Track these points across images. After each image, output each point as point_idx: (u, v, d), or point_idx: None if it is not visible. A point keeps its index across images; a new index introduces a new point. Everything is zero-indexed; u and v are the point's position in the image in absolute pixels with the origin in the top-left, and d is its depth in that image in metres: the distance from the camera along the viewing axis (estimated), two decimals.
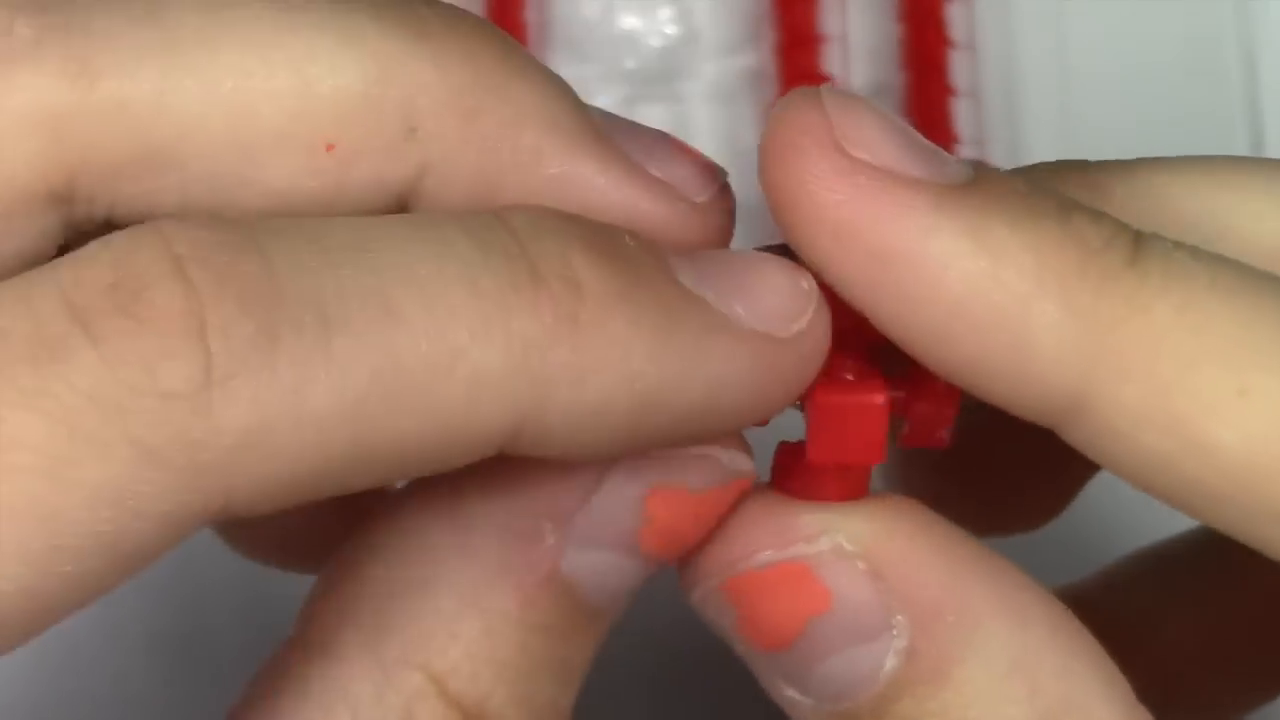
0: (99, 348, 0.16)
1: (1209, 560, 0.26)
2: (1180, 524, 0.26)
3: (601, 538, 0.18)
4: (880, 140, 0.19)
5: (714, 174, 0.20)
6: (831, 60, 0.43)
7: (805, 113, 0.19)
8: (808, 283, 0.19)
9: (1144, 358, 0.18)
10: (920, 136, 0.19)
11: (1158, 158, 0.21)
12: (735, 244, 0.43)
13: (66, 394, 0.16)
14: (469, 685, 0.18)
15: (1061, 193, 0.19)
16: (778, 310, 0.19)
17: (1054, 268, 0.18)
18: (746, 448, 0.20)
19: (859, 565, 0.19)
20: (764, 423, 0.20)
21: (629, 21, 0.43)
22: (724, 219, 0.20)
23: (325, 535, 0.22)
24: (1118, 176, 0.21)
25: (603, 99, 0.43)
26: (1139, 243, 0.19)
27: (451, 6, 0.20)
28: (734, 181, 0.43)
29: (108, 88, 0.18)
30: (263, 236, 0.17)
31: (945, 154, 0.19)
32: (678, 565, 0.20)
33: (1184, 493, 0.18)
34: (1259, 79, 0.43)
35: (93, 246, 0.17)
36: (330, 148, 0.18)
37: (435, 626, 0.18)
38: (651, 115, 0.43)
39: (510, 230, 0.18)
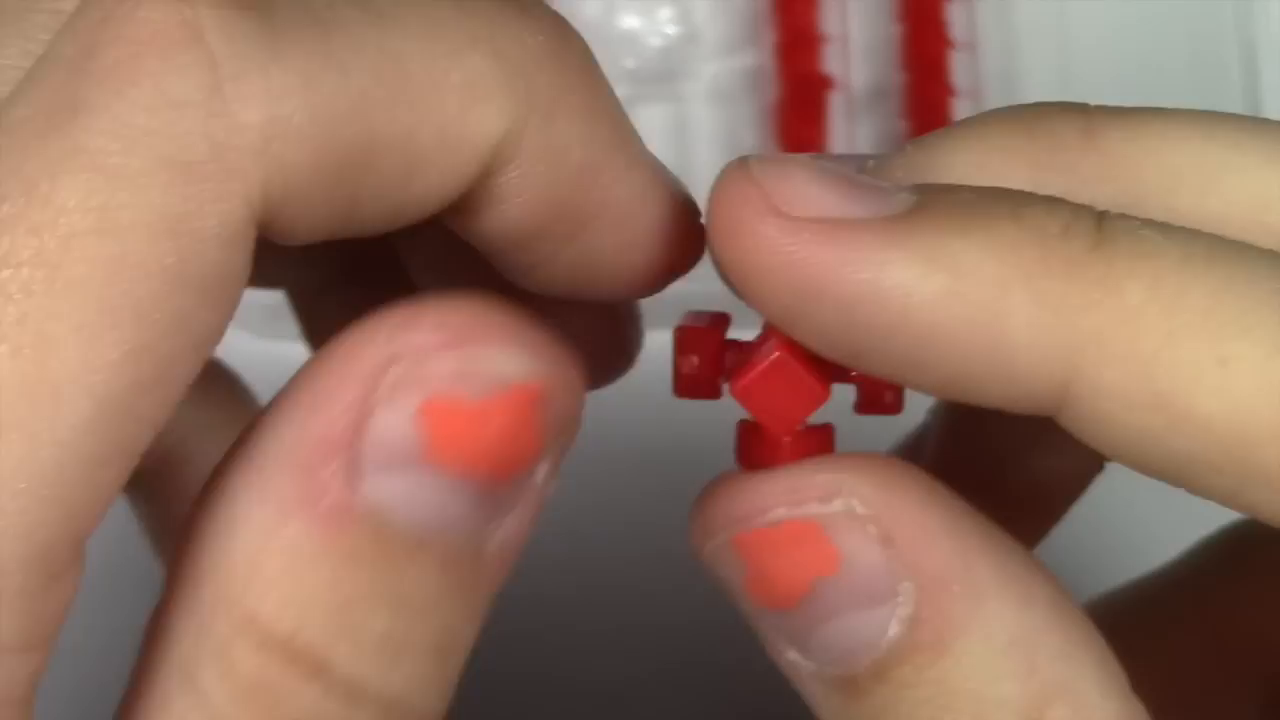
0: (107, 83, 0.16)
1: (1206, 583, 0.26)
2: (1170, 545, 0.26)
3: (388, 459, 0.18)
4: (815, 193, 0.19)
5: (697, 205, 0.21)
6: (831, 60, 0.43)
7: (738, 186, 0.19)
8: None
9: (1121, 338, 0.18)
10: (858, 176, 0.19)
11: (1158, 108, 0.21)
12: None
13: (91, 140, 0.16)
14: (279, 619, 0.18)
15: (1013, 189, 0.19)
16: (682, 190, 0.21)
17: (1015, 266, 0.18)
18: (533, 353, 0.18)
19: (870, 529, 0.19)
20: (636, 286, 0.21)
21: (629, 21, 0.43)
22: (699, 245, 0.21)
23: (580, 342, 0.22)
24: (1115, 122, 0.21)
25: None
26: (1102, 225, 0.19)
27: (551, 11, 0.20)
28: None
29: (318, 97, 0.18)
30: None
31: (886, 186, 0.19)
32: (689, 521, 0.20)
33: (1177, 468, 0.18)
34: (1259, 79, 0.43)
35: (81, 3, 0.17)
36: None
37: (239, 564, 0.18)
38: (651, 115, 0.43)
39: None
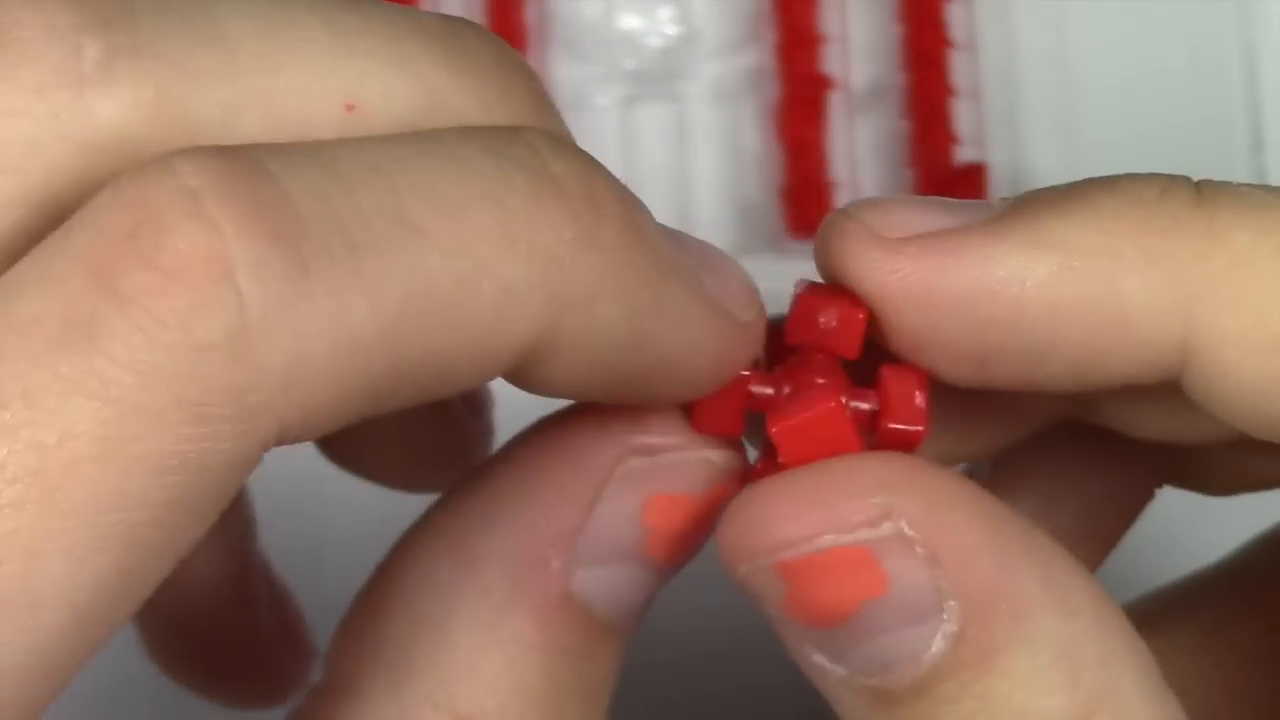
0: (130, 313, 0.16)
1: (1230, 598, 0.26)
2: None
3: (607, 554, 0.18)
4: (912, 215, 0.20)
5: (755, 294, 0.20)
6: (831, 60, 0.43)
7: (840, 227, 0.20)
8: (753, 284, 0.20)
9: (1234, 284, 0.18)
10: (950, 199, 0.20)
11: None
12: (736, 242, 0.43)
13: (109, 370, 0.16)
14: (494, 716, 0.18)
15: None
16: (738, 295, 0.20)
17: (1122, 232, 0.19)
18: (738, 447, 0.20)
19: (918, 550, 0.19)
20: (695, 395, 0.20)
21: (629, 21, 0.43)
22: (760, 339, 0.20)
23: (412, 444, 0.22)
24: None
25: (603, 99, 0.43)
26: (1200, 186, 0.19)
27: (492, 35, 0.19)
28: (733, 180, 0.43)
29: (177, 111, 0.17)
30: (272, 163, 0.17)
31: (978, 201, 0.20)
32: (720, 536, 0.20)
33: None
34: (1259, 79, 0.43)
35: (105, 194, 0.16)
36: None
37: (454, 663, 0.18)
38: (651, 115, 0.43)
39: (530, 146, 0.18)
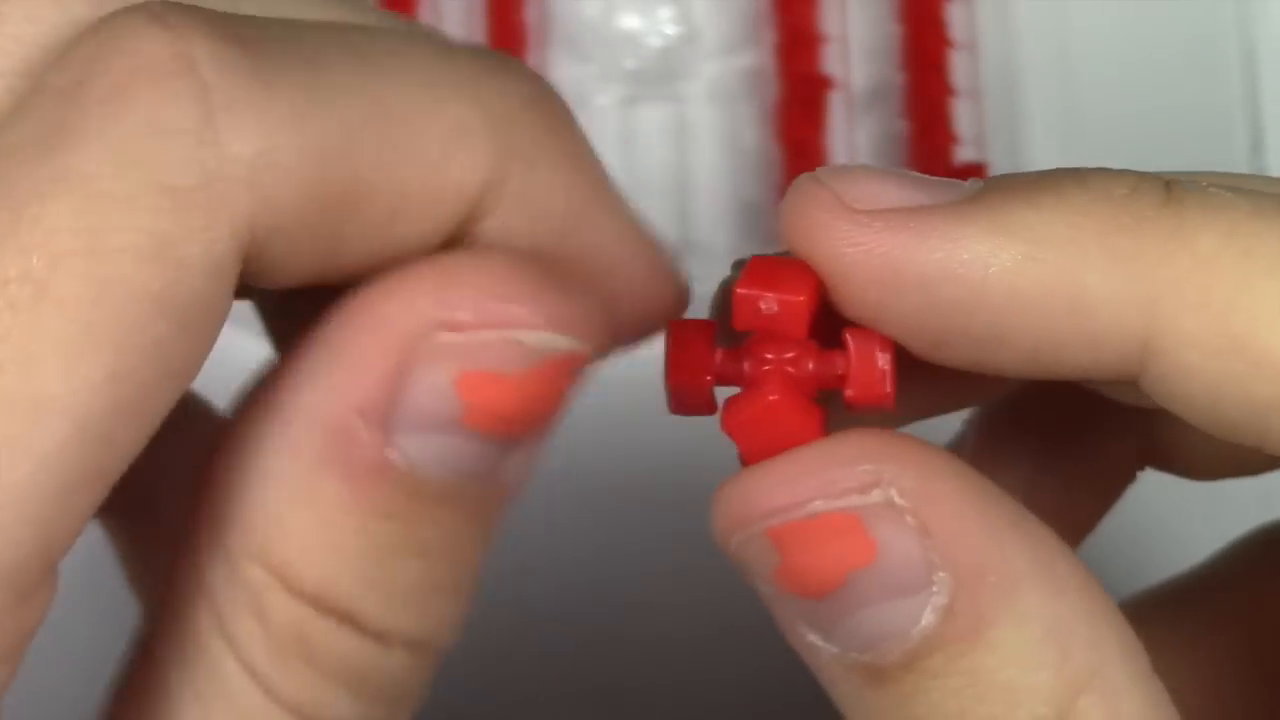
0: (100, 109, 0.17)
1: (1216, 600, 0.26)
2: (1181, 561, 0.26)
3: (424, 424, 0.18)
4: (882, 189, 0.20)
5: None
6: (831, 60, 0.43)
7: (808, 190, 0.20)
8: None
9: (1198, 286, 0.18)
10: (922, 175, 0.20)
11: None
12: (736, 241, 0.43)
13: (83, 164, 0.16)
14: (310, 572, 0.18)
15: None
16: (662, 244, 0.21)
17: (1088, 227, 0.19)
18: (567, 324, 0.19)
19: (909, 520, 0.19)
20: (622, 335, 0.20)
21: (629, 21, 0.43)
22: (686, 293, 0.22)
23: None
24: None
25: (603, 99, 0.43)
26: (1169, 185, 0.19)
27: (527, 69, 0.20)
28: (734, 180, 0.43)
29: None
30: (229, 12, 0.18)
31: (950, 180, 0.20)
32: (713, 507, 0.20)
33: (1258, 417, 0.19)
34: (1259, 79, 0.43)
35: (77, 40, 0.17)
36: None
37: (267, 518, 0.18)
38: (651, 115, 0.43)
39: (484, 48, 0.20)
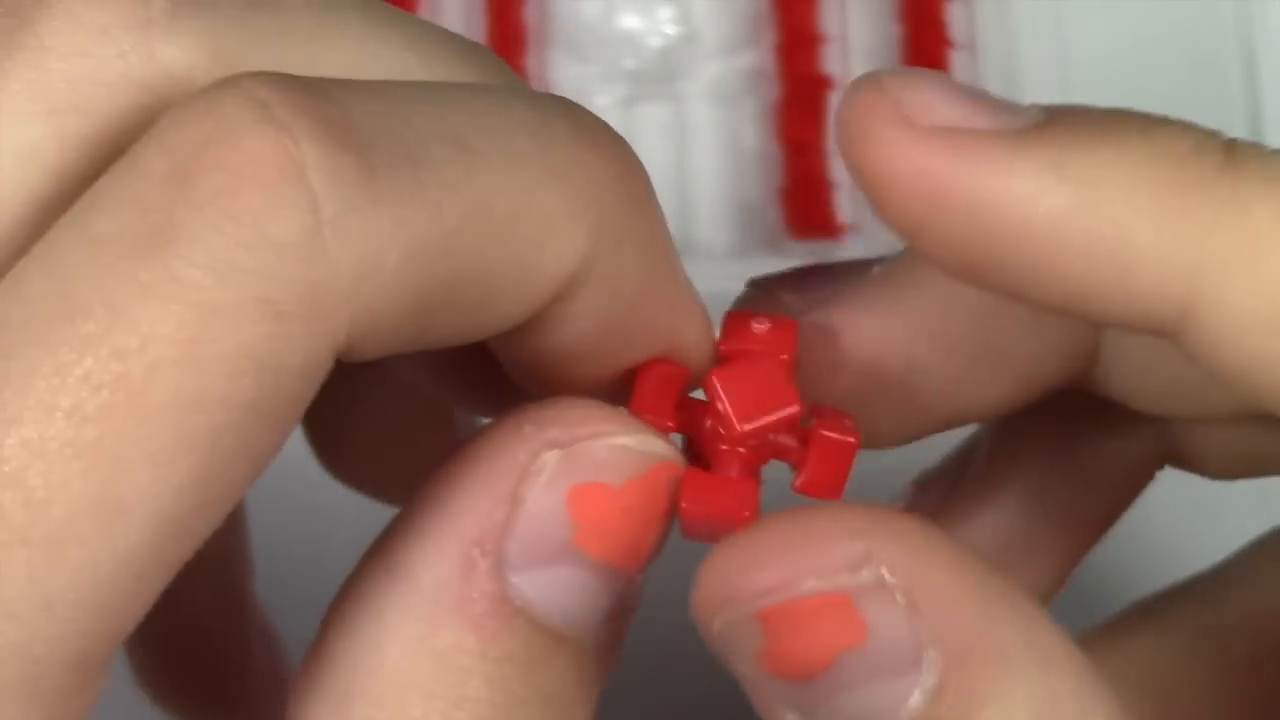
0: (205, 213, 0.16)
1: (1206, 608, 0.26)
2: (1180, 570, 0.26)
3: (538, 554, 0.18)
4: (944, 104, 0.19)
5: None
6: (831, 60, 0.43)
7: (869, 96, 0.19)
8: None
9: (1246, 259, 0.18)
10: (987, 93, 0.20)
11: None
12: (736, 242, 0.43)
13: (186, 271, 0.16)
14: None
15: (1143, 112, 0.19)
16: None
17: (1144, 182, 0.18)
18: (659, 431, 0.19)
19: (898, 598, 0.18)
20: None
21: (629, 21, 0.43)
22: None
23: (411, 459, 0.22)
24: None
25: (603, 99, 0.43)
26: (1231, 148, 0.19)
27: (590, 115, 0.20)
28: (734, 180, 0.43)
29: (236, 64, 0.18)
30: (335, 87, 0.17)
31: (1015, 104, 0.20)
32: (694, 589, 0.19)
33: None
34: (1259, 79, 0.43)
35: (173, 111, 0.17)
36: None
37: (388, 677, 0.18)
38: (651, 115, 0.43)
39: (566, 102, 0.19)
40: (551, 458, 0.18)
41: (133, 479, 0.16)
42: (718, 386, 0.20)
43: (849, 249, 0.42)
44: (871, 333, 0.22)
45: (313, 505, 0.37)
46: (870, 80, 0.19)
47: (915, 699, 0.18)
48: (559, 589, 0.18)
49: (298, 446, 0.41)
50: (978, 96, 0.20)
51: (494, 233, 0.17)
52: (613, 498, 0.18)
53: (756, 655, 0.18)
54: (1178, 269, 0.18)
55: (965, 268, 0.19)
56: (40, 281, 0.16)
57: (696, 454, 0.20)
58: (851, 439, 0.20)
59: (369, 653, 0.18)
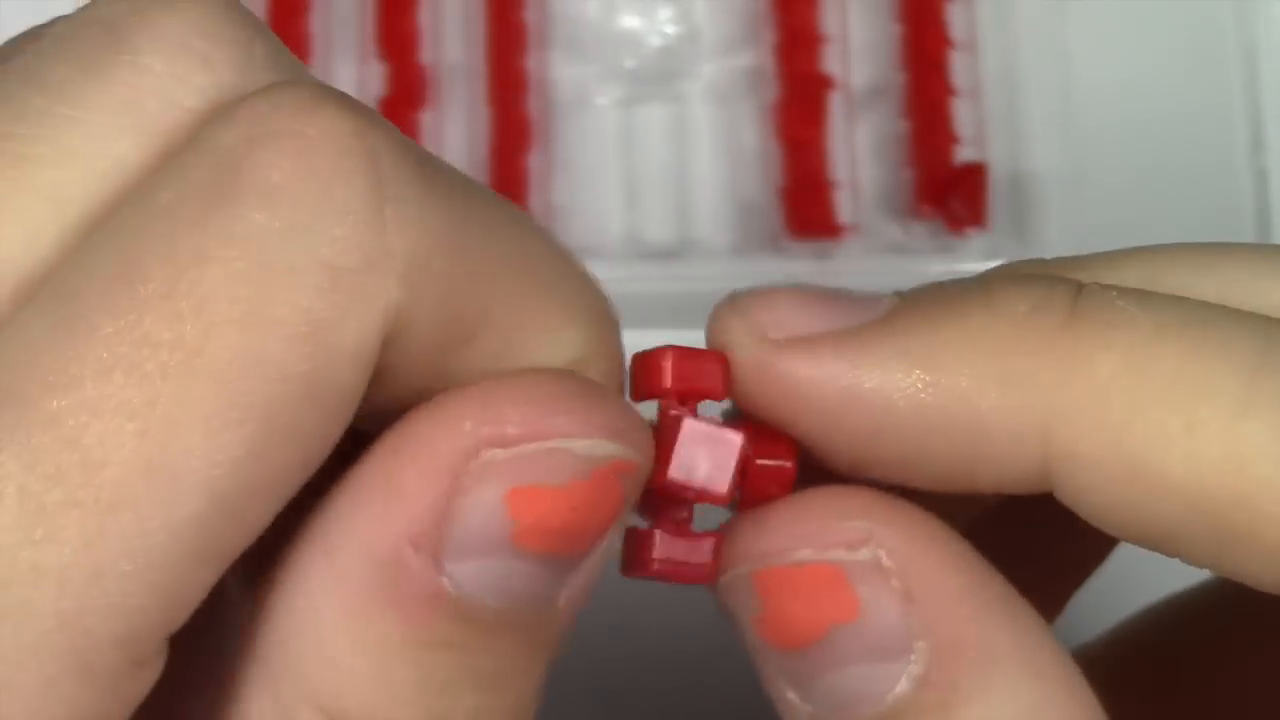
0: (274, 176, 0.16)
1: (1211, 621, 0.26)
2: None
3: (476, 548, 0.18)
4: (797, 313, 0.20)
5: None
6: (831, 60, 0.43)
7: (725, 319, 0.20)
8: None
9: (1093, 411, 0.18)
10: (843, 291, 0.20)
11: (1140, 249, 0.21)
12: (736, 242, 0.43)
13: (252, 228, 0.16)
14: (369, 713, 0.18)
15: (1000, 270, 0.20)
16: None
17: (986, 350, 0.19)
18: (616, 432, 0.19)
19: (894, 583, 0.19)
20: None
21: (629, 21, 0.43)
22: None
23: None
24: (1101, 270, 0.21)
25: (603, 99, 0.43)
26: (1077, 298, 0.19)
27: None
28: (734, 180, 0.43)
29: None
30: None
31: (871, 297, 0.20)
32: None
33: (1161, 536, 0.18)
34: (1259, 79, 0.43)
35: (244, 97, 0.17)
36: None
37: (322, 661, 0.17)
38: (651, 115, 0.43)
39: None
40: (489, 456, 0.18)
41: (186, 443, 0.16)
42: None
43: (849, 249, 0.42)
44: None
45: None
46: (727, 302, 0.20)
47: (902, 685, 0.18)
48: (497, 579, 0.18)
49: None
50: (832, 297, 0.20)
51: (527, 279, 0.18)
52: (555, 498, 0.18)
53: (754, 621, 0.19)
54: (1029, 429, 0.18)
55: (846, 466, 0.19)
56: (103, 250, 0.16)
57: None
58: (789, 464, 0.20)
59: (300, 636, 0.18)
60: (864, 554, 0.19)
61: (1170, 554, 0.19)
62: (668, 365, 0.20)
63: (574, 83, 0.43)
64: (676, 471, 0.19)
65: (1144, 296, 0.19)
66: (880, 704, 0.18)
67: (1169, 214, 0.42)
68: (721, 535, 0.20)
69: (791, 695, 0.19)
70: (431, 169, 0.17)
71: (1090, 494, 0.18)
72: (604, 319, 0.19)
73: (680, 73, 0.43)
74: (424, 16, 0.43)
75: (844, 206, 0.42)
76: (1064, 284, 0.19)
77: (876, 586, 0.19)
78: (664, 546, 0.20)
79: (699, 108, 0.43)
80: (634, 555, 0.20)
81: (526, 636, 0.18)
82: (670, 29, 0.43)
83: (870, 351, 0.19)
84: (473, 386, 0.18)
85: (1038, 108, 0.43)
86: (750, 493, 0.20)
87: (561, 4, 0.42)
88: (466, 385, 0.18)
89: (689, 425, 0.19)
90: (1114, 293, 0.19)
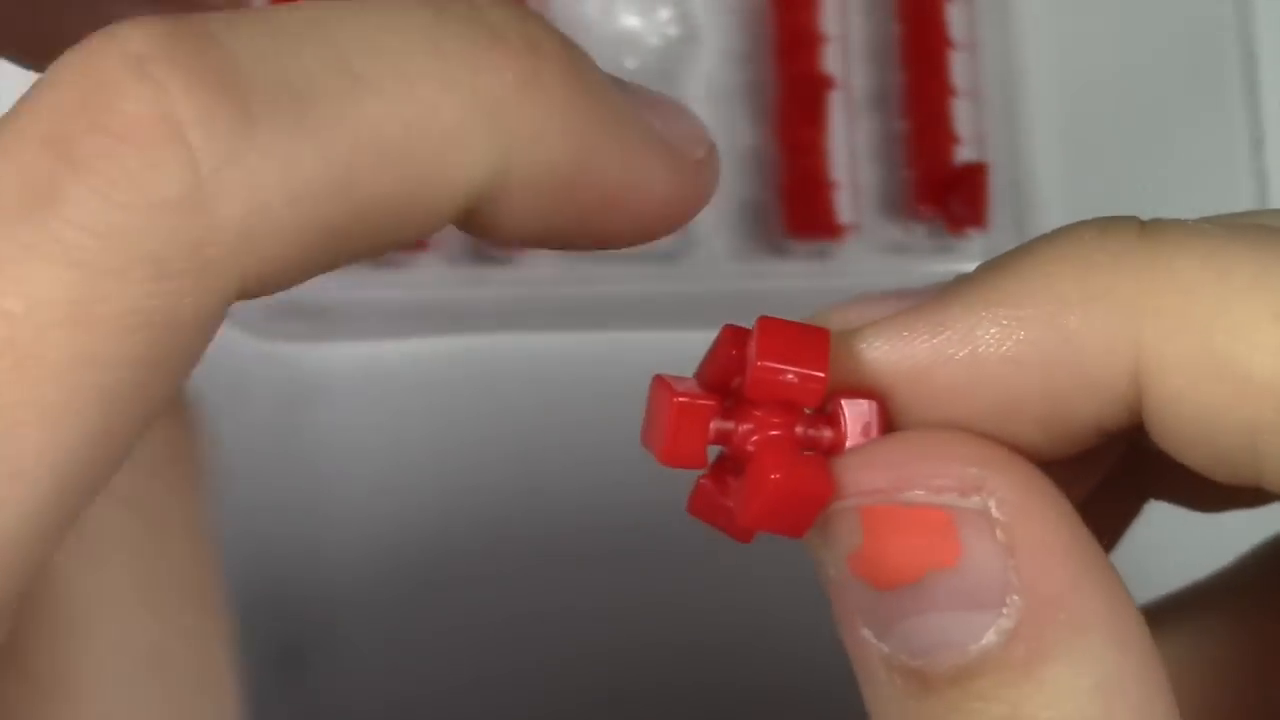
0: (86, 177, 0.16)
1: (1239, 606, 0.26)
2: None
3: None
4: (879, 307, 0.20)
5: (704, 132, 0.21)
6: (831, 60, 0.43)
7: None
8: (703, 125, 0.21)
9: (1179, 310, 0.18)
10: (920, 288, 0.21)
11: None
12: (736, 241, 0.43)
13: (69, 234, 0.16)
14: None
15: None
16: (687, 133, 0.20)
17: (1063, 274, 0.19)
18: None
19: (999, 534, 0.19)
20: (652, 237, 0.20)
21: (629, 21, 0.43)
22: (714, 178, 0.21)
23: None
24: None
25: None
26: (1142, 223, 0.19)
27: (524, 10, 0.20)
28: (733, 179, 0.43)
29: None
30: (216, 27, 0.17)
31: (932, 285, 0.20)
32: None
33: (1250, 446, 0.18)
34: (1259, 79, 0.43)
35: (52, 69, 0.17)
36: None
37: None
38: None
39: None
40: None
41: (27, 441, 0.16)
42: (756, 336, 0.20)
43: (849, 249, 0.42)
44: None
45: (313, 496, 0.37)
46: (819, 316, 0.21)
47: (989, 637, 0.18)
48: None
49: (298, 447, 0.41)
50: (899, 292, 0.20)
51: (388, 161, 0.18)
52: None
53: (851, 556, 0.19)
54: (1119, 340, 0.19)
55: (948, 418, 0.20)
56: None
57: (734, 462, 0.20)
58: (875, 396, 0.20)
59: None
60: (975, 501, 0.19)
61: (1255, 475, 0.19)
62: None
63: None
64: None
65: (1204, 220, 0.19)
66: (963, 654, 0.18)
67: (1168, 214, 0.42)
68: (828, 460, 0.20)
69: (866, 633, 0.19)
70: (252, 103, 0.17)
71: (1178, 401, 0.19)
72: (511, 104, 0.19)
73: (680, 73, 0.43)
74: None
75: (844, 207, 0.42)
76: (1125, 217, 0.19)
77: (982, 535, 0.19)
78: (786, 463, 0.19)
79: (699, 108, 0.43)
80: (758, 478, 0.20)
81: None
82: (670, 29, 0.43)
83: (947, 305, 0.19)
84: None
85: (1038, 108, 0.43)
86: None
87: (561, 4, 0.42)
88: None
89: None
90: (1178, 220, 0.19)
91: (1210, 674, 0.25)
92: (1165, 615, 0.26)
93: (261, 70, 0.17)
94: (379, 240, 0.18)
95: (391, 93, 0.18)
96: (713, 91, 0.43)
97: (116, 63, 0.17)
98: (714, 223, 0.42)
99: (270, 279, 0.17)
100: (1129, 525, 0.25)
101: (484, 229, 0.19)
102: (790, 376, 0.20)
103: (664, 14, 0.43)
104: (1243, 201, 0.43)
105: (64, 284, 0.16)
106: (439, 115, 0.18)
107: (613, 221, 0.20)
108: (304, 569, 0.37)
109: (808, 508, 0.19)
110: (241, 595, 0.39)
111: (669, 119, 0.20)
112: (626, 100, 0.20)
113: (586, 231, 0.20)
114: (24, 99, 0.17)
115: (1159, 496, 0.25)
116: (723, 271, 0.42)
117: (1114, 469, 0.24)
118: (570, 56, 0.19)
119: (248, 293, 0.17)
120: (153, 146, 0.16)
